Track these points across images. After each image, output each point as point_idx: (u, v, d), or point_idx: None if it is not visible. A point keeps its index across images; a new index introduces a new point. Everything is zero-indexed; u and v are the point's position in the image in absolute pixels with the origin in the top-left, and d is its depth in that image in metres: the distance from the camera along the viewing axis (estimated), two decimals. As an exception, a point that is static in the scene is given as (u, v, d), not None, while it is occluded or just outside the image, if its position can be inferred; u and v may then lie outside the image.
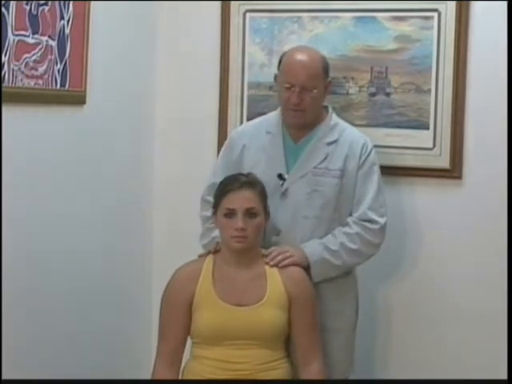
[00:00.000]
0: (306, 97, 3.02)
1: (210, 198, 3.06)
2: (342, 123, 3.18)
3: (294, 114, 3.07)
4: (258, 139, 3.17)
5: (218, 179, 3.05)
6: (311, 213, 3.06)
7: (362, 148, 3.10)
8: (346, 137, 3.11)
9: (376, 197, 3.07)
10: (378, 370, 3.53)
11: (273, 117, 3.20)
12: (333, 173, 3.07)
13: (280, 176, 3.09)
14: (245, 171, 3.05)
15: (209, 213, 3.07)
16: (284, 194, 3.08)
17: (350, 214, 3.08)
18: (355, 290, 3.19)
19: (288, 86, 3.02)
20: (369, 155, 3.10)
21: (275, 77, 3.16)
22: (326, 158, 3.08)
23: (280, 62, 3.12)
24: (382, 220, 3.07)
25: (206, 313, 2.88)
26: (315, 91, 3.02)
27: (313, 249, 3.02)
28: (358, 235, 3.04)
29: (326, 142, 3.10)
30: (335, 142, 3.09)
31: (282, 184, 3.08)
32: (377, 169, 3.12)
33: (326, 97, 3.13)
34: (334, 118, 3.17)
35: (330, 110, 3.18)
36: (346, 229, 3.05)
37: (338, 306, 3.10)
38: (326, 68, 3.09)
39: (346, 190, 3.07)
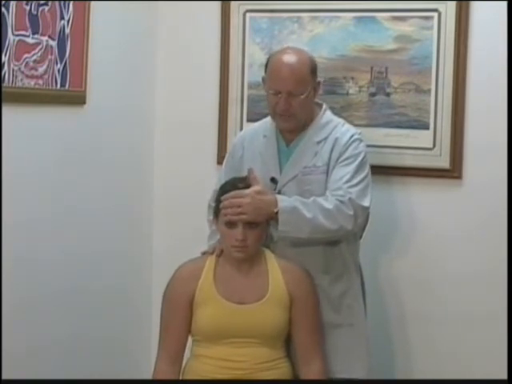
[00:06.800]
0: (293, 102, 2.96)
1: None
2: (336, 120, 3.10)
3: (283, 119, 3.03)
4: (255, 143, 3.14)
5: None
6: None
7: (349, 139, 3.00)
8: (336, 133, 3.04)
9: (351, 177, 2.93)
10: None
11: (269, 120, 3.15)
12: (320, 169, 3.00)
13: (273, 180, 3.04)
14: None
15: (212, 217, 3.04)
16: None
17: None
18: (361, 287, 3.13)
19: (274, 92, 2.98)
20: (353, 142, 2.99)
21: (263, 79, 3.10)
22: (315, 156, 3.02)
23: (267, 64, 3.06)
24: (352, 190, 2.90)
25: (207, 311, 2.87)
26: (302, 96, 2.97)
27: (285, 198, 2.90)
28: (332, 199, 2.89)
29: (316, 140, 3.03)
30: (325, 139, 3.03)
31: (275, 188, 3.03)
32: (360, 154, 2.97)
33: (316, 97, 3.07)
34: (327, 116, 3.10)
35: (324, 107, 3.11)
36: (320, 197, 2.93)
37: (348, 301, 3.05)
38: (313, 69, 3.02)
39: None
